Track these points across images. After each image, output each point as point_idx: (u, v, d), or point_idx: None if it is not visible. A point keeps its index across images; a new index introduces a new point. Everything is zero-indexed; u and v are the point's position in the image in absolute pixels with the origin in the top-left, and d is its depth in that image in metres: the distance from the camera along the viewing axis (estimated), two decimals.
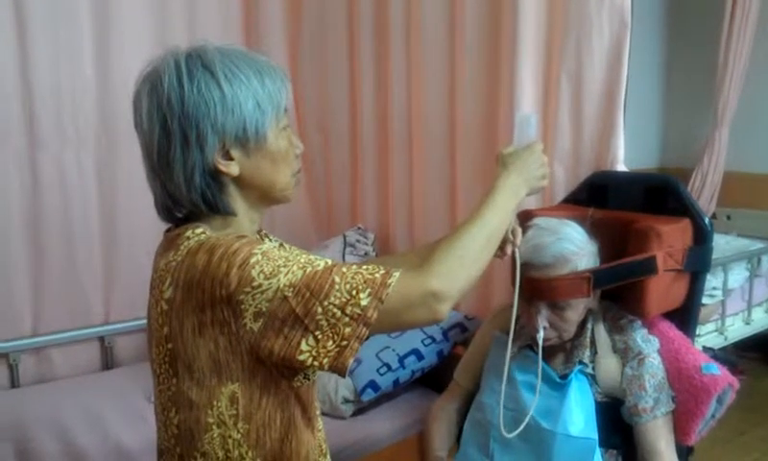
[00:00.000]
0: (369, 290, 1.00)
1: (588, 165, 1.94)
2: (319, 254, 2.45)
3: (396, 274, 1.03)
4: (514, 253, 1.35)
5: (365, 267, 1.04)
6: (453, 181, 2.38)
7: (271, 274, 0.99)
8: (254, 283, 0.99)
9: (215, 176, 1.07)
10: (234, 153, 1.07)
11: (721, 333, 3.11)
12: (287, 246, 1.27)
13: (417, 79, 2.45)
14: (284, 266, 1.00)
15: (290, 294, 0.99)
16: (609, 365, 1.53)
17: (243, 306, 0.99)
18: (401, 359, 2.13)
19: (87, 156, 2.35)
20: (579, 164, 1.96)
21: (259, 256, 1.01)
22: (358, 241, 2.59)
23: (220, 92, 1.04)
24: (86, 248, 2.36)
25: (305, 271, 1.01)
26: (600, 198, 1.79)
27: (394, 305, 1.01)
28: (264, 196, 1.14)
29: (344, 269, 1.02)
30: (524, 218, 1.58)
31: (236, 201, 1.11)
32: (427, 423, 1.75)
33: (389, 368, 2.11)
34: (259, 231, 1.25)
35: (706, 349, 2.78)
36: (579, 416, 1.47)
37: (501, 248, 1.31)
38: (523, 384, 1.54)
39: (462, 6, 2.23)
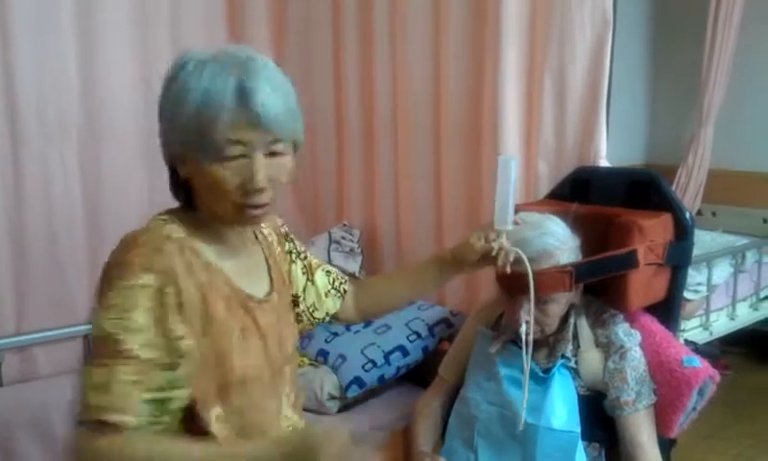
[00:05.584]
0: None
1: (571, 161, 1.95)
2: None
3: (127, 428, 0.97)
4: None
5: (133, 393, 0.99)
6: (438, 179, 2.39)
7: (110, 306, 1.00)
8: (103, 303, 1.01)
9: (178, 170, 1.12)
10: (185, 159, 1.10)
11: (706, 328, 3.13)
12: (304, 254, 1.38)
13: (402, 76, 2.46)
14: (118, 310, 1.00)
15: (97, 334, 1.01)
16: (591, 359, 1.54)
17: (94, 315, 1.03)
18: (386, 355, 2.13)
19: (71, 153, 2.33)
20: (562, 160, 1.98)
21: (122, 287, 1.01)
22: (343, 238, 2.59)
23: (173, 105, 1.06)
24: (71, 245, 2.34)
25: (103, 335, 0.99)
26: (583, 193, 1.80)
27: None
28: (212, 213, 1.12)
29: (116, 367, 0.98)
30: None
31: (198, 198, 1.13)
32: (412, 418, 1.75)
33: (374, 364, 2.11)
34: (281, 227, 1.34)
35: (687, 342, 2.81)
36: (562, 409, 1.48)
37: (493, 262, 1.39)
38: (507, 379, 1.55)
39: (446, 4, 2.24)
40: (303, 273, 1.38)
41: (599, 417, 1.52)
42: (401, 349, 2.15)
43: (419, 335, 2.19)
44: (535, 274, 1.44)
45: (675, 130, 4.30)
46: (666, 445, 1.55)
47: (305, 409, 2.06)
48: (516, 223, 1.44)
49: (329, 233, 2.62)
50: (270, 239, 1.30)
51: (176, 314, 1.03)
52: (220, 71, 1.04)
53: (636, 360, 1.50)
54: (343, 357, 2.14)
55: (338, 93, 2.75)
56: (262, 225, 1.29)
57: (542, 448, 1.46)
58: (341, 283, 1.45)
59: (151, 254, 1.04)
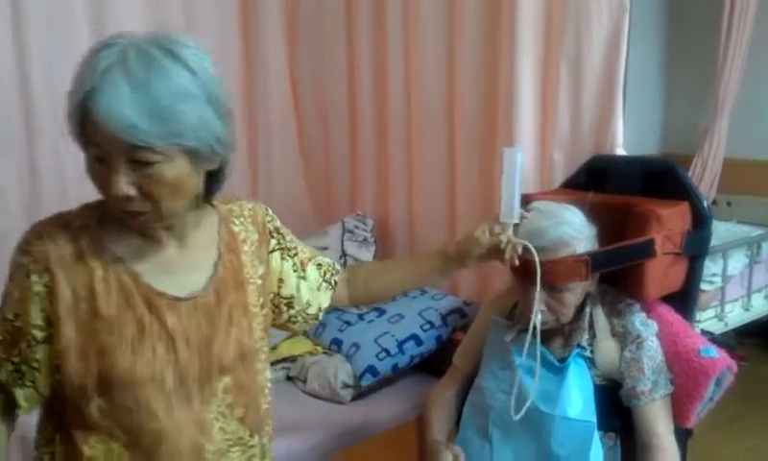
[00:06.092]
0: None
1: (587, 149, 1.94)
2: (318, 241, 2.44)
3: None
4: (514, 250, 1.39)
5: None
6: (452, 167, 2.38)
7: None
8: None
9: None
10: None
11: (720, 319, 3.11)
12: (286, 235, 1.31)
13: (415, 64, 2.44)
14: (7, 279, 1.07)
15: None
16: (607, 348, 1.53)
17: None
18: (400, 345, 2.13)
19: None
20: (578, 148, 1.96)
21: (10, 260, 1.06)
22: (357, 227, 2.59)
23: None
24: None
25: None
26: (599, 182, 1.78)
27: None
28: None
29: None
30: (524, 202, 1.57)
31: None
32: (426, 407, 1.75)
33: (388, 353, 2.11)
34: (269, 223, 1.27)
35: (704, 332, 2.79)
36: (577, 399, 1.47)
37: (502, 256, 1.38)
38: (522, 368, 1.54)
39: None
40: (294, 270, 1.31)
41: (615, 406, 1.51)
42: (415, 338, 2.15)
43: (432, 324, 2.19)
44: (551, 263, 1.44)
45: (690, 118, 4.26)
46: (683, 435, 1.54)
47: (320, 397, 2.08)
48: (522, 216, 1.43)
49: (343, 223, 2.62)
50: (242, 236, 1.21)
51: (38, 302, 1.04)
52: (96, 63, 0.96)
53: (652, 350, 1.49)
54: (356, 346, 2.14)
55: (351, 83, 2.74)
56: (234, 220, 1.21)
57: (558, 437, 1.45)
58: (332, 275, 1.39)
59: (30, 238, 1.06)
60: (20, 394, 1.08)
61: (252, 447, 1.18)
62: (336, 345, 2.21)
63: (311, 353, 2.24)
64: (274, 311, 1.29)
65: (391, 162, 2.62)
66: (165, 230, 1.09)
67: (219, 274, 1.15)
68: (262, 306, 1.22)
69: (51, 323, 1.04)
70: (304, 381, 2.15)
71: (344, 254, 2.49)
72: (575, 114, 1.96)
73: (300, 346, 2.27)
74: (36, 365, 1.06)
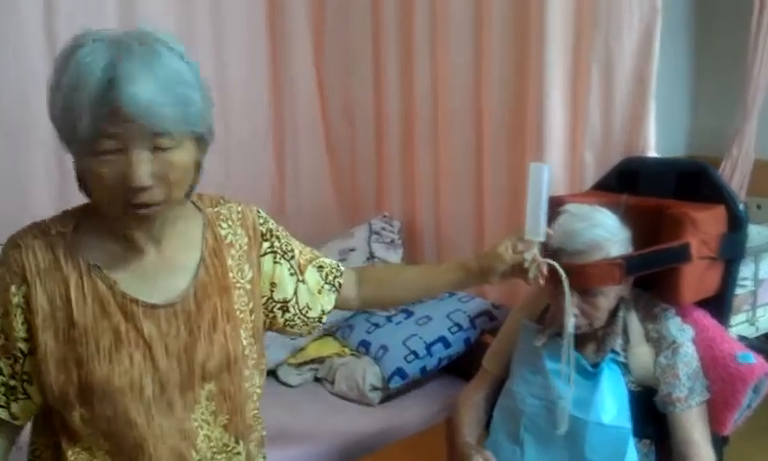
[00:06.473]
0: None
1: (619, 151, 1.91)
2: (344, 242, 2.41)
3: None
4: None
5: None
6: (479, 169, 2.37)
7: None
8: None
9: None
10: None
11: (752, 324, 3.05)
12: (281, 235, 1.27)
13: (442, 65, 2.43)
14: None
15: None
16: (641, 354, 1.51)
17: None
18: (428, 347, 2.12)
19: None
20: (609, 150, 1.94)
21: None
22: (383, 229, 2.58)
23: (50, 91, 1.00)
24: None
25: None
26: (631, 184, 1.76)
27: None
28: (102, 209, 1.04)
29: None
30: (555, 205, 1.55)
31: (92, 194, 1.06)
32: (456, 410, 1.74)
33: (416, 355, 2.10)
34: (261, 226, 1.23)
35: (741, 338, 2.74)
36: (611, 405, 1.45)
37: (526, 274, 1.37)
38: (554, 373, 1.53)
39: None
40: (292, 274, 1.27)
41: (649, 412, 1.48)
42: (443, 340, 2.14)
43: (460, 327, 2.18)
44: (584, 266, 1.42)
45: (718, 121, 4.19)
46: (718, 442, 1.52)
47: (348, 399, 2.08)
48: (548, 234, 1.41)
49: (369, 225, 2.62)
50: (229, 240, 1.18)
51: (20, 314, 1.04)
52: (93, 56, 0.94)
53: (688, 356, 1.47)
54: (384, 348, 2.14)
55: (377, 84, 2.74)
56: (221, 224, 1.18)
57: (591, 443, 1.43)
58: (335, 277, 1.35)
59: (7, 249, 1.05)
60: (15, 407, 1.08)
61: (237, 454, 1.17)
62: (364, 347, 2.21)
63: (339, 355, 2.24)
64: (268, 316, 1.26)
65: (417, 164, 2.61)
66: (144, 232, 1.07)
67: (200, 279, 1.13)
68: (251, 311, 1.19)
69: (33, 333, 1.04)
70: (332, 383, 2.15)
71: (371, 256, 2.49)
72: (606, 115, 1.94)
73: (328, 347, 2.27)
74: (26, 377, 1.06)
